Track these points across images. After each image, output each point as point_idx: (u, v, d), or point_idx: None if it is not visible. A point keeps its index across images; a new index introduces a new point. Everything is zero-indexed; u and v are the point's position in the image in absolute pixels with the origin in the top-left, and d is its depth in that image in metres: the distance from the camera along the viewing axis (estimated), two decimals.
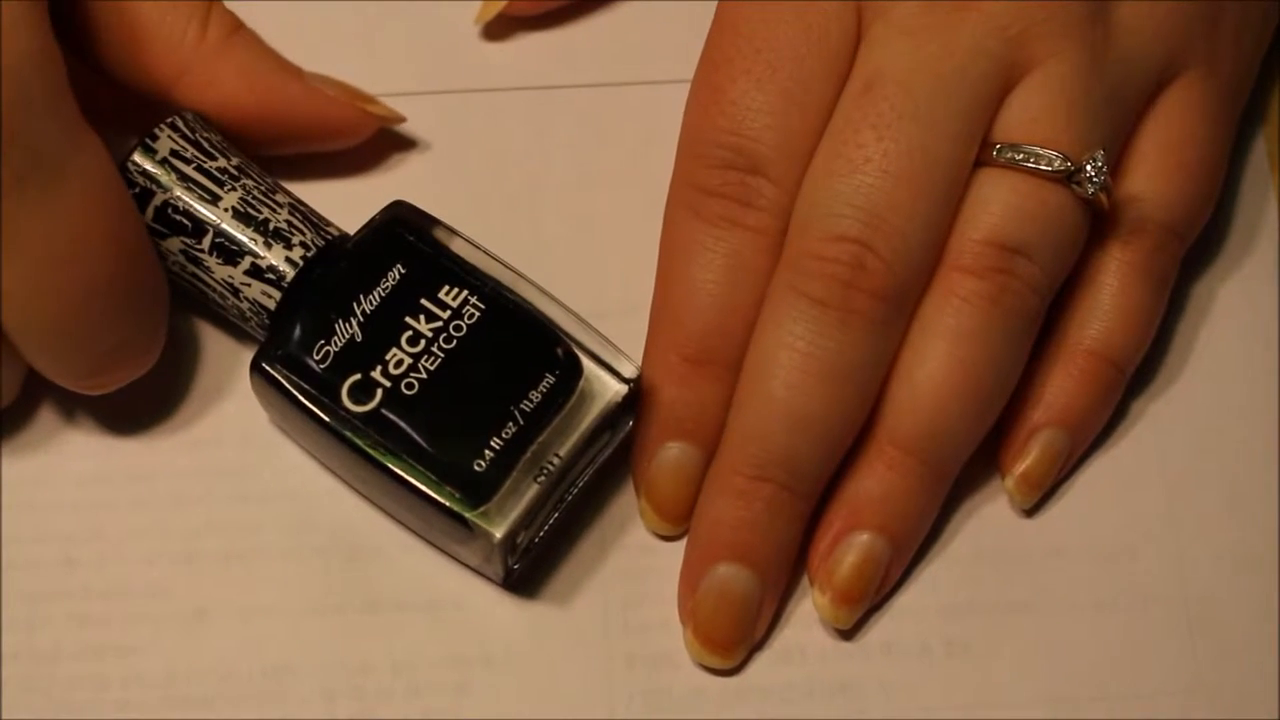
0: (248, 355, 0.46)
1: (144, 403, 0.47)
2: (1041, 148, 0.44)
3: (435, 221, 0.45)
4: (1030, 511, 0.47)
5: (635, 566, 0.46)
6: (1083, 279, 0.47)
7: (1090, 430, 0.47)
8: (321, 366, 0.44)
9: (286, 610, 0.46)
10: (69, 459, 0.47)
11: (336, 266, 0.45)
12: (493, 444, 0.43)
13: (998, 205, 0.45)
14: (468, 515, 0.43)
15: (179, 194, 0.45)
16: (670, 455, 0.46)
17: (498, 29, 0.51)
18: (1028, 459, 0.46)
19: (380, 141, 0.50)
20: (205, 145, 0.46)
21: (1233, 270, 0.50)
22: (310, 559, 0.46)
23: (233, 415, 0.47)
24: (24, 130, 0.40)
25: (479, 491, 0.43)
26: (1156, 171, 0.47)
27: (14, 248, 0.41)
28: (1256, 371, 0.49)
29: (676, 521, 0.46)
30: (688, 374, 0.46)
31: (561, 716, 0.45)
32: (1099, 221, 0.47)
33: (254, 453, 0.47)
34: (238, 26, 0.47)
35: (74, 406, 0.47)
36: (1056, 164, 0.44)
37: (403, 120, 0.49)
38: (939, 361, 0.45)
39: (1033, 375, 0.47)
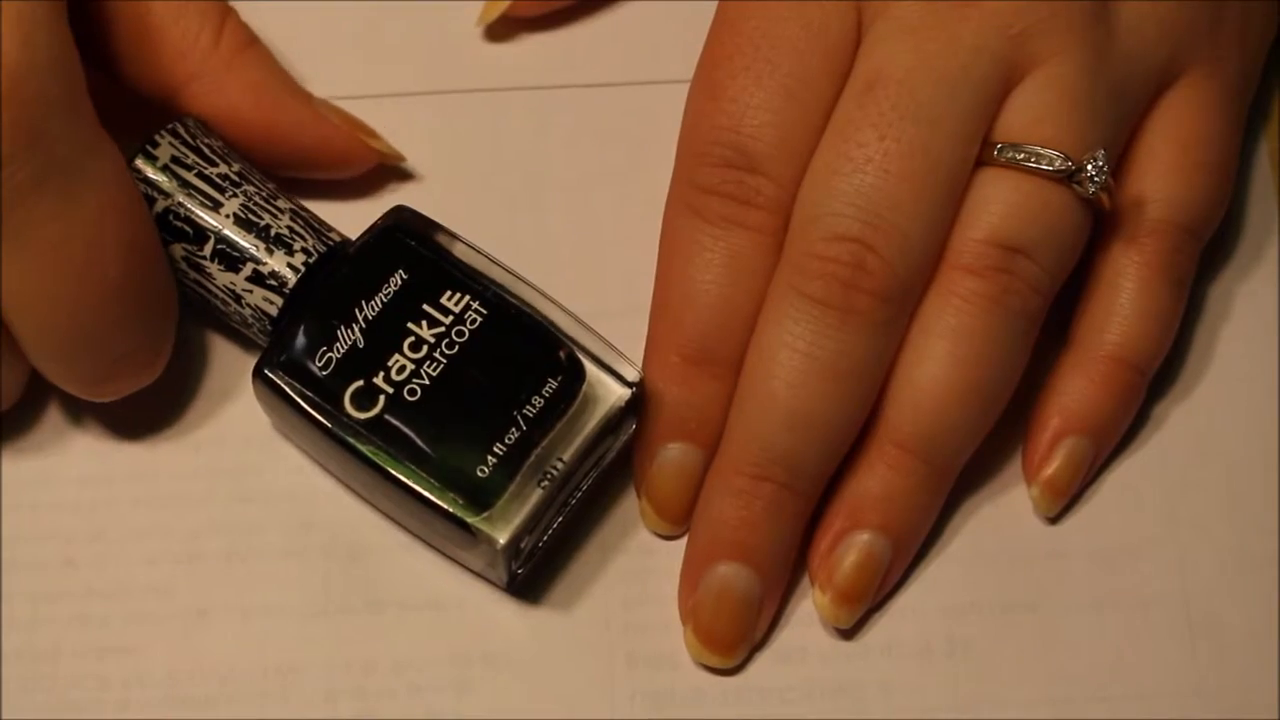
0: (250, 357, 0.46)
1: (146, 404, 0.46)
2: (1043, 147, 0.44)
3: (437, 226, 0.45)
4: (1034, 513, 0.47)
5: (636, 567, 0.46)
6: (1101, 282, 0.47)
7: (1114, 436, 0.47)
8: (324, 373, 0.44)
9: (288, 610, 0.46)
10: (70, 459, 0.47)
11: (339, 273, 0.45)
12: (496, 449, 0.43)
13: (999, 205, 0.45)
14: (471, 521, 0.43)
15: (180, 200, 0.45)
16: (671, 455, 0.46)
17: (500, 30, 0.51)
18: (1052, 466, 0.46)
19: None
20: (206, 151, 0.46)
21: (1234, 271, 0.50)
22: (312, 559, 0.46)
23: (234, 416, 0.47)
24: (44, 133, 0.40)
25: (482, 497, 0.43)
26: (1171, 172, 0.47)
27: (30, 251, 0.41)
28: (1257, 372, 0.49)
29: (677, 521, 0.46)
30: (687, 374, 0.46)
31: (562, 716, 0.45)
32: (1115, 223, 0.47)
33: (255, 453, 0.47)
34: (252, 41, 0.47)
35: (76, 407, 0.47)
36: (1057, 164, 0.44)
37: (402, 159, 0.49)
38: (940, 361, 0.45)
39: (1054, 380, 0.47)
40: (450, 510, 0.43)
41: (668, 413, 0.46)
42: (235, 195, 0.45)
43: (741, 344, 0.45)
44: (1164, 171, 0.47)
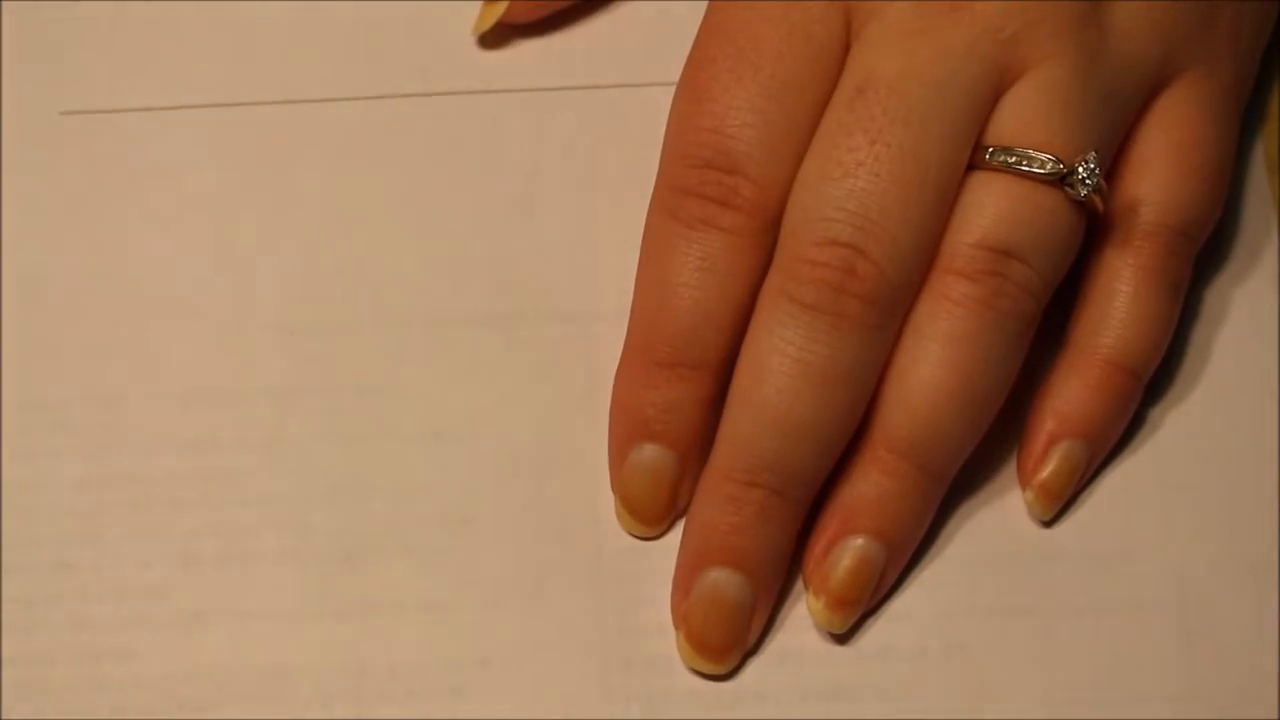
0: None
1: (142, 404, 0.47)
2: (1035, 150, 0.44)
3: None
4: (1029, 517, 0.47)
5: (632, 569, 0.46)
6: (1096, 285, 0.47)
7: (1109, 439, 0.47)
8: None
9: (283, 613, 0.46)
10: (66, 462, 0.47)
11: None
12: None
13: (990, 208, 0.44)
14: None
15: None
16: (641, 456, 0.46)
17: (495, 37, 0.51)
18: (1046, 470, 0.46)
19: (379, 142, 0.50)
20: None
21: (1231, 273, 0.49)
22: (307, 562, 0.46)
23: (231, 417, 0.47)
24: None
25: None
26: (1166, 174, 0.47)
27: None
28: (1255, 375, 0.48)
29: (651, 522, 0.46)
30: (656, 376, 0.45)
31: (558, 719, 0.45)
32: (1110, 226, 0.46)
33: (252, 455, 0.47)
34: None
35: (72, 409, 0.47)
36: (1049, 166, 0.44)
37: None
38: (932, 365, 0.44)
39: (1049, 384, 0.47)
40: None
41: (635, 415, 0.46)
42: None
43: (713, 347, 0.45)
44: (1159, 174, 0.46)
